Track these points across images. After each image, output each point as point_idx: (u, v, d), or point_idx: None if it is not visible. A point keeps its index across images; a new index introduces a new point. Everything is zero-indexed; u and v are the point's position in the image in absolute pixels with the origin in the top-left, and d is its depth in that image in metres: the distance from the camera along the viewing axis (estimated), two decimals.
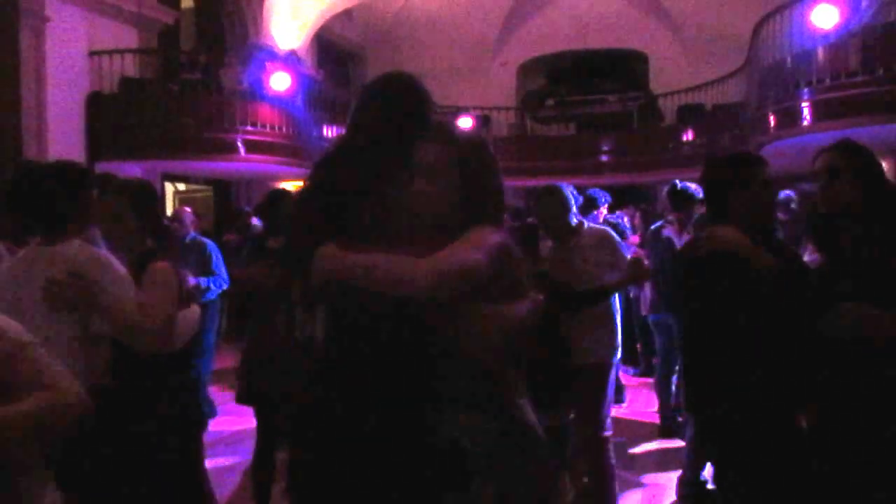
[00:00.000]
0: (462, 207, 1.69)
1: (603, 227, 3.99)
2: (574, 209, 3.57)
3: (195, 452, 2.58)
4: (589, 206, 5.39)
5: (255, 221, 6.71)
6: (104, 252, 2.38)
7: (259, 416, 3.69)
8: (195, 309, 2.69)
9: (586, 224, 3.64)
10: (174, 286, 2.42)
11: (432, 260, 1.56)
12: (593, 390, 3.45)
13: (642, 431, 5.29)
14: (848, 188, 2.25)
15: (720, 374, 2.29)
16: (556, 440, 3.63)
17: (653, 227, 5.25)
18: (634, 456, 4.78)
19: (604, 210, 5.85)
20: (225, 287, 5.65)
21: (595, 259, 3.43)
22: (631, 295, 6.30)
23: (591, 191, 5.66)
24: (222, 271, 5.63)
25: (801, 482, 2.21)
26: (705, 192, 2.55)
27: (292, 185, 10.87)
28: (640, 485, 4.27)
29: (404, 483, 1.61)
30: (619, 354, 3.61)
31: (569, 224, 3.51)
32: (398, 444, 1.62)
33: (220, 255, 5.73)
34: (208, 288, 5.41)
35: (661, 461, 4.72)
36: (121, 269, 2.34)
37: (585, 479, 3.79)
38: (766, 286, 2.19)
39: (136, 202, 2.52)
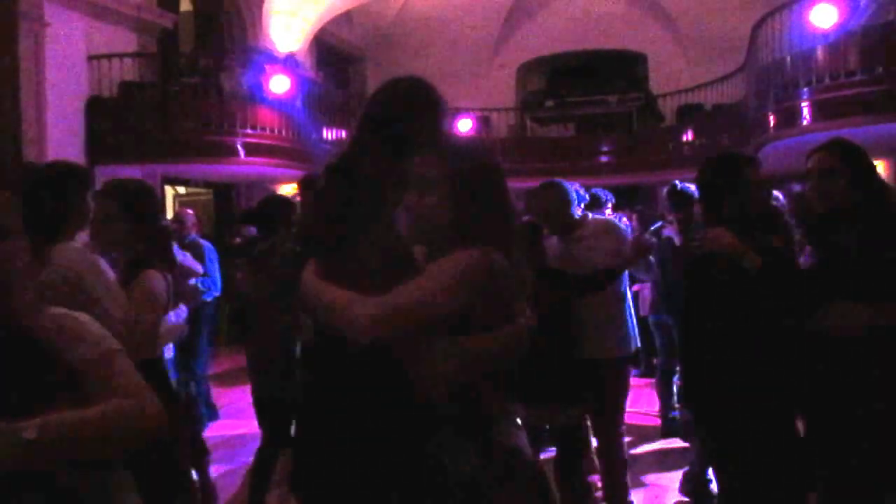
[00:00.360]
0: (458, 222, 1.60)
1: (605, 217, 3.97)
2: (576, 202, 3.54)
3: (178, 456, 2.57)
4: (594, 205, 5.38)
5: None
6: (98, 256, 2.38)
7: (261, 420, 3.70)
8: (181, 311, 2.71)
9: (590, 215, 3.62)
10: (161, 295, 2.44)
11: (374, 303, 1.49)
12: (611, 386, 3.46)
13: (643, 431, 5.29)
14: (841, 187, 2.25)
15: (715, 373, 2.30)
16: (570, 437, 3.66)
17: (652, 227, 5.25)
18: (636, 456, 4.78)
19: (608, 210, 5.81)
20: (216, 293, 5.69)
21: (601, 248, 3.41)
22: (630, 295, 6.28)
23: (595, 190, 5.64)
24: (216, 275, 5.67)
25: (796, 477, 2.22)
26: (699, 194, 2.55)
27: (292, 188, 10.91)
28: (641, 485, 4.27)
29: (387, 491, 1.59)
30: (634, 348, 3.61)
31: (571, 217, 3.48)
32: (383, 455, 1.59)
33: (215, 259, 5.77)
34: (196, 287, 5.43)
35: (662, 461, 4.72)
36: (110, 273, 2.35)
37: (596, 476, 3.80)
38: (755, 288, 2.19)
39: (129, 204, 2.50)
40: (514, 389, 3.21)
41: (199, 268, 5.15)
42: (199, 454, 3.95)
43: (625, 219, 7.24)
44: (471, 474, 1.55)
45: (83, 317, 1.48)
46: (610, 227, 3.54)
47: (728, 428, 2.30)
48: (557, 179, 3.55)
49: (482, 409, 1.61)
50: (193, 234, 5.91)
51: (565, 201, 3.45)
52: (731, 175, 2.38)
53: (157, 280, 2.45)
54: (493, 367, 1.61)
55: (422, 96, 1.81)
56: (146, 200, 2.63)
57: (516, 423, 1.69)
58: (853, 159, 2.28)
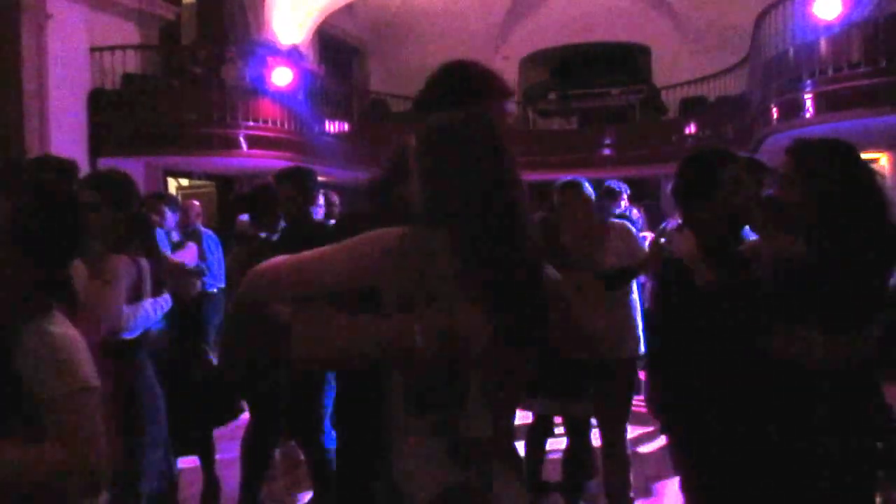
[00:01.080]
0: (426, 205, 1.38)
1: (622, 221, 4.01)
2: (593, 203, 3.60)
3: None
4: (609, 198, 5.33)
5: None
6: None
7: (248, 402, 3.72)
8: (164, 298, 2.74)
9: (607, 218, 3.68)
10: (124, 276, 2.51)
11: (266, 263, 1.42)
12: (621, 386, 3.50)
13: (643, 425, 5.29)
14: (794, 197, 2.07)
15: (675, 377, 2.21)
16: (579, 428, 3.71)
17: (663, 224, 5.25)
18: (635, 450, 4.79)
19: (623, 202, 5.70)
20: (220, 283, 5.68)
21: (617, 251, 3.46)
22: (640, 298, 6.24)
23: (609, 182, 5.58)
24: (214, 264, 5.66)
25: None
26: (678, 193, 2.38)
27: None
28: (641, 478, 4.27)
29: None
30: (643, 348, 3.63)
31: (591, 218, 3.53)
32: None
33: (217, 247, 5.78)
34: (192, 281, 5.42)
35: (662, 454, 4.72)
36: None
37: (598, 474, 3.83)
38: (709, 305, 2.06)
39: (111, 194, 2.57)
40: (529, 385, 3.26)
41: (192, 263, 5.12)
42: (207, 449, 3.95)
43: (635, 211, 7.21)
44: None
45: (67, 344, 1.37)
46: (625, 231, 3.60)
47: (689, 433, 2.18)
48: (579, 178, 3.60)
49: (391, 430, 1.34)
50: (197, 224, 5.98)
51: (586, 201, 3.50)
52: (705, 175, 2.19)
53: (122, 262, 2.53)
54: (363, 361, 1.33)
55: (454, 79, 1.70)
56: (127, 190, 2.71)
57: (433, 446, 1.30)
58: (808, 165, 2.06)
